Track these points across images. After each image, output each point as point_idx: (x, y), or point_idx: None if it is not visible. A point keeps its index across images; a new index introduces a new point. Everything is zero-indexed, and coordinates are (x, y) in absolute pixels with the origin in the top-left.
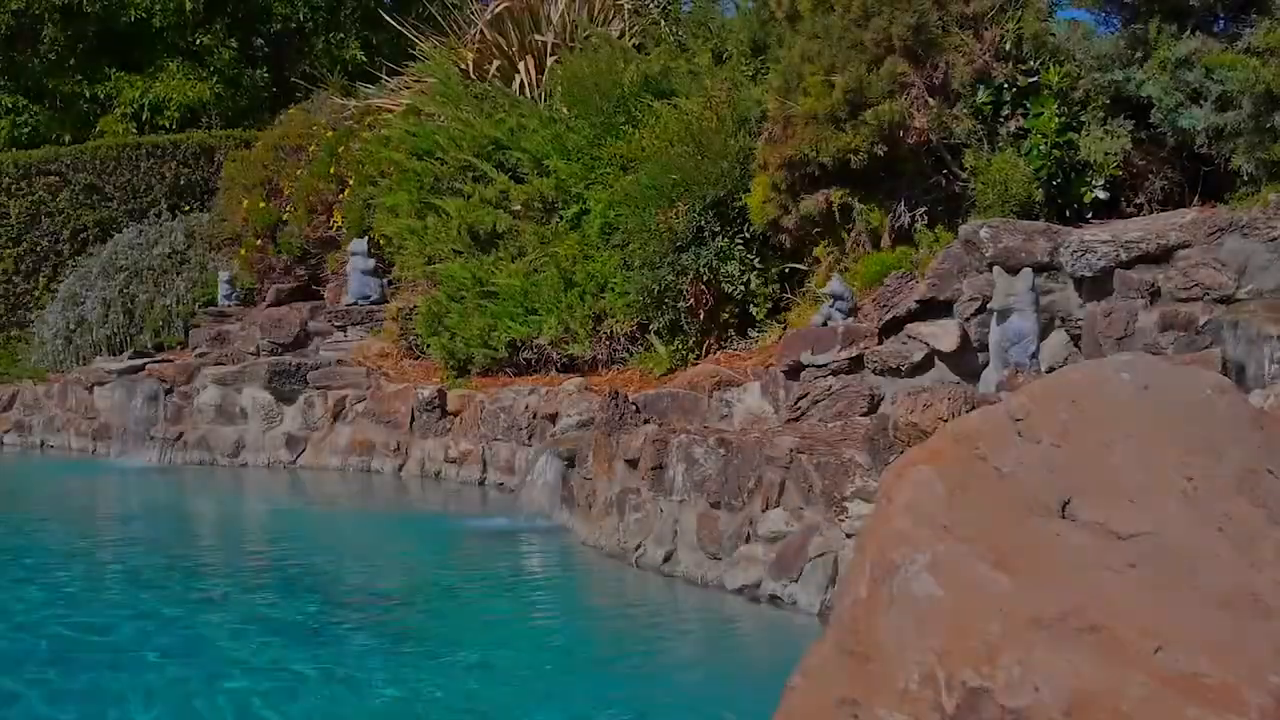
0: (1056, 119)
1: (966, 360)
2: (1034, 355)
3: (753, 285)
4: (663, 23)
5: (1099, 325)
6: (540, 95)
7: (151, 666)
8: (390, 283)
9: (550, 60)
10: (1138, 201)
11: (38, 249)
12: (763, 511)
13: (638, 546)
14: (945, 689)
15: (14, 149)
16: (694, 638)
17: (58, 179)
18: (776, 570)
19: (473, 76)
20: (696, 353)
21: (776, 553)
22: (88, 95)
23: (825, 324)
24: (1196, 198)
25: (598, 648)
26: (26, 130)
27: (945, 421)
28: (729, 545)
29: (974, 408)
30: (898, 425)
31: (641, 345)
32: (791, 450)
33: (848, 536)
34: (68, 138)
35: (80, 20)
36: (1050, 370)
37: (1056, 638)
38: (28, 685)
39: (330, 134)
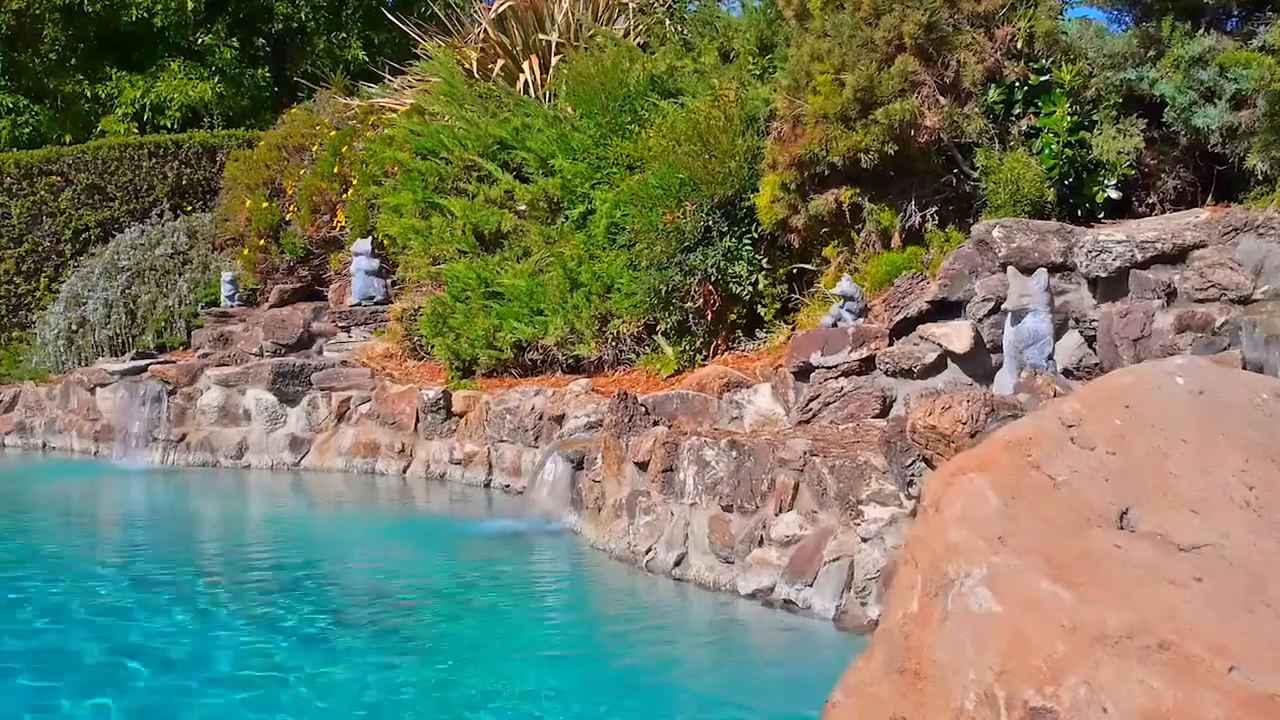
0: (1069, 118)
1: (979, 361)
2: (1050, 357)
3: (760, 286)
4: (667, 22)
5: (1115, 326)
6: (545, 95)
7: (157, 671)
8: (394, 283)
9: (555, 59)
10: (1150, 201)
11: (39, 249)
12: (776, 515)
13: (648, 550)
14: (1005, 709)
15: (15, 149)
16: (707, 643)
17: (59, 179)
18: (790, 574)
19: (476, 76)
20: (704, 354)
21: (790, 556)
22: (89, 95)
23: (835, 325)
24: (1210, 197)
25: (608, 653)
26: (27, 130)
27: (964, 424)
28: (741, 549)
29: (993, 410)
30: (915, 428)
31: (648, 346)
32: (805, 453)
33: (864, 540)
34: (68, 138)
35: (81, 20)
36: (1065, 372)
37: (1124, 656)
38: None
39: (333, 133)
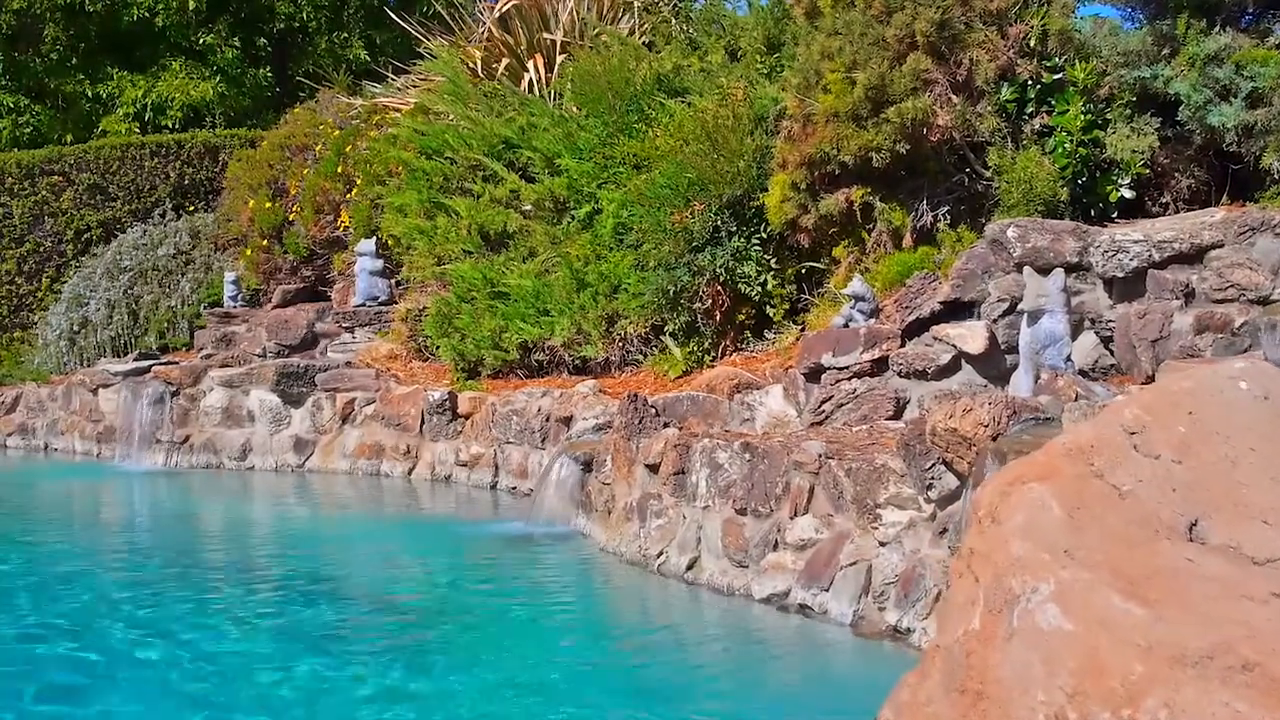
0: (1082, 116)
1: (994, 362)
2: (1068, 358)
3: (769, 286)
4: (673, 21)
5: (1133, 327)
6: (550, 94)
7: (167, 678)
8: (399, 284)
9: (560, 59)
10: (1163, 201)
11: (41, 249)
12: (791, 518)
13: (660, 554)
14: None
15: (16, 149)
16: (723, 648)
17: (61, 179)
18: (806, 579)
19: (481, 75)
20: (712, 355)
21: (806, 561)
22: (90, 95)
23: (846, 325)
24: (1224, 197)
25: (622, 658)
26: (28, 130)
27: (986, 427)
28: (756, 553)
29: (1015, 413)
30: (935, 431)
31: (655, 347)
32: (820, 455)
33: (882, 544)
34: (69, 138)
35: (82, 20)
36: (1081, 373)
37: (1205, 677)
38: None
39: (337, 133)
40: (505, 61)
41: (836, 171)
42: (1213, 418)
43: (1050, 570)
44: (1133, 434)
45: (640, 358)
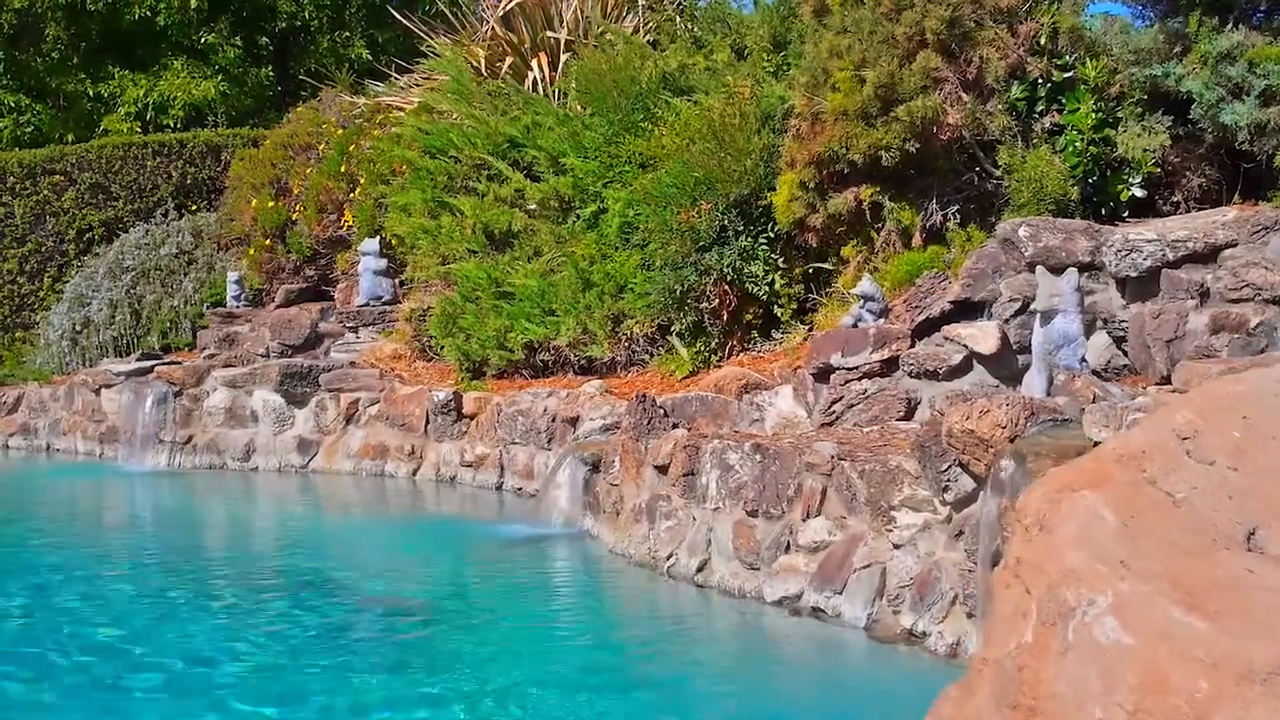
0: (1093, 115)
1: (1006, 363)
2: (1083, 359)
3: (777, 286)
4: (678, 19)
5: (1147, 327)
6: (554, 93)
7: (170, 683)
8: (402, 283)
9: (564, 57)
10: (1174, 200)
11: (43, 249)
12: (803, 520)
13: (669, 556)
14: None
15: (17, 148)
16: (735, 653)
17: (63, 178)
18: (819, 581)
19: (485, 74)
20: (719, 355)
21: (819, 563)
22: (91, 94)
23: (855, 325)
24: (1236, 195)
25: (632, 662)
26: (29, 130)
27: (1003, 429)
28: (767, 555)
29: (1033, 414)
30: (952, 432)
31: (661, 347)
32: (833, 456)
33: (896, 547)
34: (71, 137)
35: (84, 19)
36: (1094, 373)
37: (1276, 695)
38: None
39: (340, 132)
40: (509, 60)
41: (845, 170)
42: (1267, 422)
43: (1107, 582)
44: (1185, 439)
45: (646, 358)
